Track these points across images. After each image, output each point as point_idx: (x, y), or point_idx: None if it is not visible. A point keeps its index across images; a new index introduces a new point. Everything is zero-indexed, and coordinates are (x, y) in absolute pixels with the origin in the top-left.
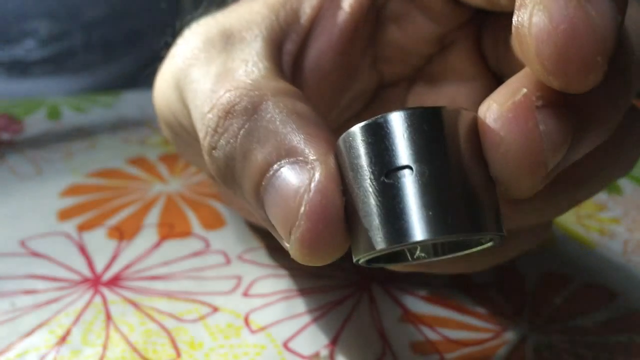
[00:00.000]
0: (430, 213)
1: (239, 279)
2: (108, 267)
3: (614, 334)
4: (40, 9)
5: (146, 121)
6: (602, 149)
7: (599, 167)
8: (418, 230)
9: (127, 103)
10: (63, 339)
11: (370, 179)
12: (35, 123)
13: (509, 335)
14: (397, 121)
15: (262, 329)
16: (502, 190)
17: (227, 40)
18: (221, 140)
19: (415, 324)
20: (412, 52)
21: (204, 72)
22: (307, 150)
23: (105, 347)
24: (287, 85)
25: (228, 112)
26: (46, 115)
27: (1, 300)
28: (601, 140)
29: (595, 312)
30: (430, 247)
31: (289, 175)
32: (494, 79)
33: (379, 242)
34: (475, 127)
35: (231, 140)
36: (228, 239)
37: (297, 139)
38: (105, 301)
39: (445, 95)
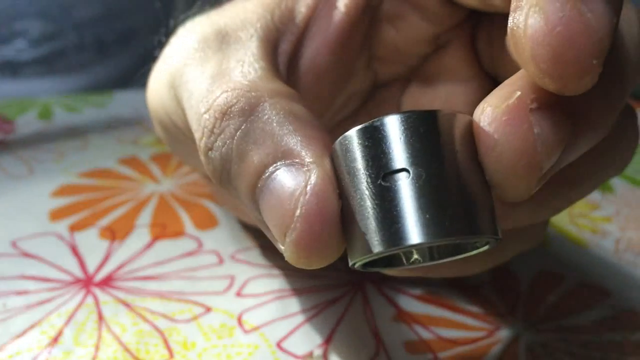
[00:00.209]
0: (427, 216)
1: (232, 278)
2: (100, 267)
3: (607, 333)
4: (31, 9)
5: (138, 121)
6: (597, 149)
7: (594, 168)
8: (415, 233)
9: (119, 103)
10: (55, 340)
11: (366, 182)
12: (27, 123)
13: (503, 334)
14: (393, 124)
15: (256, 328)
16: (498, 193)
17: (223, 40)
18: (217, 141)
19: (408, 323)
20: (407, 52)
21: (199, 71)
22: (303, 153)
23: (97, 347)
24: (284, 87)
25: (225, 113)
26: (37, 115)
27: None
28: (596, 142)
29: (588, 311)
30: (426, 252)
31: (285, 178)
32: (489, 79)
33: (376, 245)
34: (471, 131)
35: (227, 142)
36: (221, 238)
37: (294, 141)
38: (97, 302)
39: (440, 96)
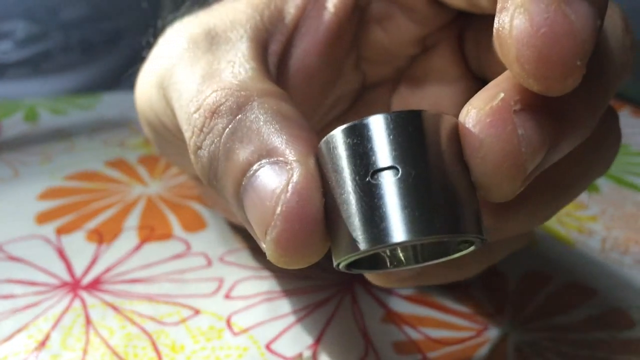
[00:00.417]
0: (414, 214)
1: (221, 281)
2: (87, 270)
3: (595, 331)
4: (17, 9)
5: (125, 123)
6: (582, 153)
7: (580, 173)
8: (401, 231)
9: (105, 105)
10: (42, 344)
11: (352, 180)
12: (13, 125)
13: (491, 334)
14: (380, 123)
15: (244, 331)
16: (483, 194)
17: (212, 41)
18: (206, 140)
19: (397, 323)
20: (395, 53)
21: (189, 72)
22: (287, 151)
23: (85, 351)
24: (274, 87)
25: (214, 112)
26: (23, 117)
27: None
28: (579, 142)
29: (575, 310)
30: (411, 255)
31: (268, 176)
32: (476, 80)
33: (362, 243)
34: (457, 132)
35: (215, 140)
36: (209, 241)
37: (279, 140)
38: (84, 305)
39: (428, 97)
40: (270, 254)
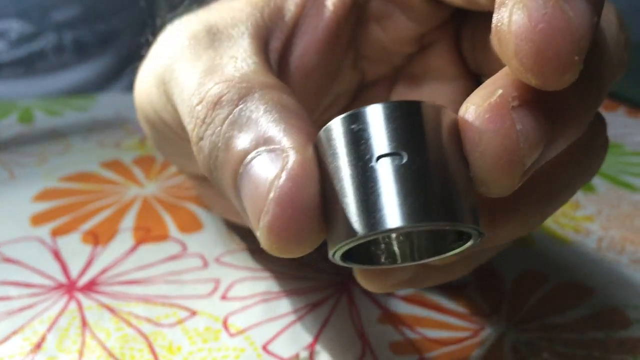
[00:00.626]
0: (412, 201)
1: (217, 282)
2: (83, 272)
3: (591, 331)
4: (10, 9)
5: (121, 124)
6: (570, 158)
7: (569, 178)
8: (399, 217)
9: (101, 106)
10: (38, 346)
11: (352, 166)
12: (7, 127)
13: (487, 334)
14: (380, 112)
15: (241, 332)
16: (482, 189)
17: (213, 37)
18: (207, 130)
19: (394, 324)
20: (393, 52)
21: (190, 67)
22: (285, 140)
23: (81, 353)
24: (276, 80)
25: (216, 103)
26: (18, 118)
27: None
28: (574, 138)
29: (571, 309)
30: (407, 250)
31: (264, 163)
32: (474, 78)
33: (359, 229)
34: (457, 128)
35: (217, 130)
36: (205, 242)
37: (277, 129)
38: (80, 307)
39: (426, 95)
40: (263, 241)
